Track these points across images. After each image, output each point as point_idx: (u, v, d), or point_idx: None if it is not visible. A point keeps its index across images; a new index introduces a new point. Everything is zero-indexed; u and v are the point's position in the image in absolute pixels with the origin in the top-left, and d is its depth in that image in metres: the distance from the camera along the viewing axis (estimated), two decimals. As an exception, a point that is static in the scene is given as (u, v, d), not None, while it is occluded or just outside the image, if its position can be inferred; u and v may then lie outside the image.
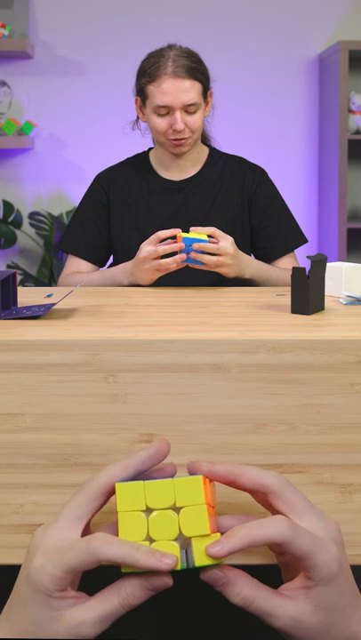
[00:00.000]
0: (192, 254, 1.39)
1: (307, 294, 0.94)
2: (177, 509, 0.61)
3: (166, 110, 1.73)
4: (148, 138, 1.93)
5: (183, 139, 1.76)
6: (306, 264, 3.03)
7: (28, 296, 1.13)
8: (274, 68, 3.45)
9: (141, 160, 1.92)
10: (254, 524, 0.57)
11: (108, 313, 0.95)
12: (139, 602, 0.57)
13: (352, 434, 0.74)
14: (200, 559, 0.59)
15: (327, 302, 1.05)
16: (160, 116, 1.75)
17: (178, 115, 1.72)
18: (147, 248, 1.51)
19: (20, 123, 3.38)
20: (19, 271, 3.37)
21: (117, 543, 0.56)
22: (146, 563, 0.55)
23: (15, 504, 0.75)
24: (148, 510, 0.61)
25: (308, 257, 0.96)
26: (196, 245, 1.38)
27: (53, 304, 0.95)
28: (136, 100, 1.83)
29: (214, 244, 1.45)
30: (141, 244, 1.53)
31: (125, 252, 1.82)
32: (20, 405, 0.74)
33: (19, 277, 3.37)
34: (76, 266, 1.87)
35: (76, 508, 0.60)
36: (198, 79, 1.74)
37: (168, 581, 0.57)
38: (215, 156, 1.91)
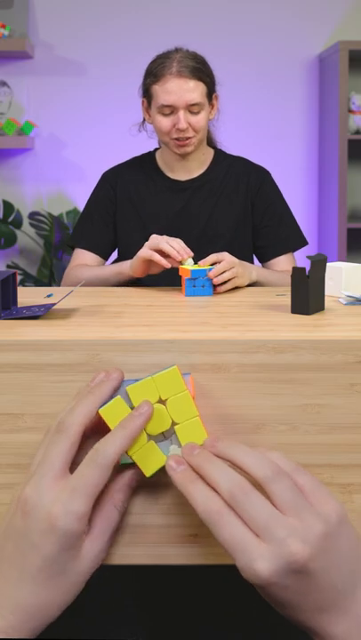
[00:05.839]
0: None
1: (307, 294, 0.94)
2: (163, 402, 0.66)
3: (170, 110, 1.75)
4: (153, 139, 1.94)
5: (187, 138, 1.78)
6: (306, 264, 3.03)
7: (28, 296, 1.13)
8: (274, 68, 3.45)
9: (148, 160, 1.95)
10: (247, 452, 0.60)
11: (107, 313, 0.95)
12: (128, 502, 0.67)
13: (352, 434, 0.74)
14: (185, 440, 0.67)
15: (327, 302, 1.05)
16: (164, 115, 1.77)
17: (181, 114, 1.74)
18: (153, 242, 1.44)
19: (20, 123, 3.38)
20: (19, 271, 3.36)
21: (111, 434, 0.62)
22: (136, 424, 0.63)
23: (15, 504, 0.74)
24: None
25: (308, 257, 0.96)
26: (211, 274, 1.31)
27: (53, 304, 0.95)
28: (142, 101, 1.85)
29: (223, 263, 1.36)
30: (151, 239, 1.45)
31: (130, 249, 1.83)
32: (20, 405, 0.74)
33: (19, 277, 3.37)
34: (82, 258, 1.88)
35: (62, 454, 0.62)
36: (203, 80, 1.76)
37: (139, 472, 0.66)
38: (220, 158, 1.94)
